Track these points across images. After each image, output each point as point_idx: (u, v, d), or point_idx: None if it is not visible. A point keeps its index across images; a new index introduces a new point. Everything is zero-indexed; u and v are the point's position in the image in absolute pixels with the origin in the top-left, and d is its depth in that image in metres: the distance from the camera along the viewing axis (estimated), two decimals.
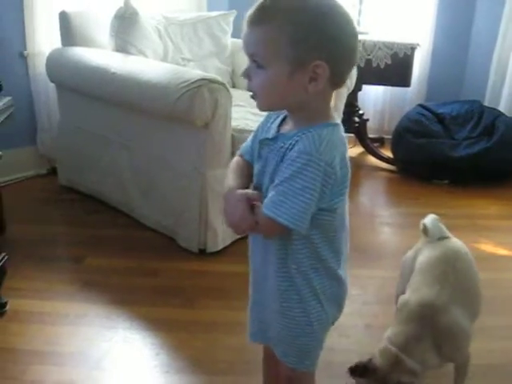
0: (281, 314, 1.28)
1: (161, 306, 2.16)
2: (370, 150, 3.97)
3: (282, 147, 1.15)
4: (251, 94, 1.16)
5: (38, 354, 1.87)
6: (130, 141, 2.71)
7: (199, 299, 2.22)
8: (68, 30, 2.95)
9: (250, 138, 1.34)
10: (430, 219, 1.90)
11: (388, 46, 3.59)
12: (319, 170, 1.09)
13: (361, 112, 3.95)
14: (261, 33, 1.08)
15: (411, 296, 1.70)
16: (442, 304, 1.64)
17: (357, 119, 3.91)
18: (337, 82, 1.15)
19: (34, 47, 3.11)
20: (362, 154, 4.03)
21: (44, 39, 3.12)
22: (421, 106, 3.82)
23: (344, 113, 3.21)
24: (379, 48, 3.58)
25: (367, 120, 4.01)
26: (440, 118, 3.70)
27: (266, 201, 1.12)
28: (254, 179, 1.24)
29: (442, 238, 1.84)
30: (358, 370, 1.54)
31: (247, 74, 1.14)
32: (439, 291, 1.67)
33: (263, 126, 1.27)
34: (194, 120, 2.30)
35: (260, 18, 1.09)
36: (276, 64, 1.08)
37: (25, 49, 3.12)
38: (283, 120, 1.23)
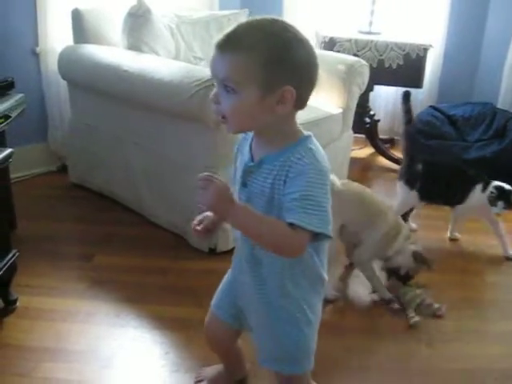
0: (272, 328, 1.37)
1: (170, 305, 2.16)
2: (380, 151, 3.95)
3: (272, 170, 1.20)
4: (222, 119, 1.19)
5: (48, 351, 1.87)
6: (141, 139, 2.71)
7: (209, 298, 2.19)
8: (80, 27, 2.95)
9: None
10: None
11: (400, 46, 3.58)
12: (326, 177, 1.17)
13: (372, 113, 3.94)
14: (233, 59, 1.12)
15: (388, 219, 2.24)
16: None
17: (368, 120, 3.89)
18: (300, 104, 1.20)
19: (47, 44, 3.11)
20: (372, 154, 4.00)
21: (56, 36, 3.11)
22: (432, 107, 3.80)
23: (355, 113, 3.19)
24: (391, 49, 3.57)
25: (378, 121, 3.98)
26: (452, 120, 3.67)
27: (294, 216, 1.14)
28: None
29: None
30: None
31: (216, 99, 1.17)
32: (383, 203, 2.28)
33: (237, 157, 1.34)
34: (206, 119, 2.29)
35: (232, 45, 1.12)
36: (248, 89, 1.13)
37: (37, 46, 3.12)
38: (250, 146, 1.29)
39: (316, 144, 1.22)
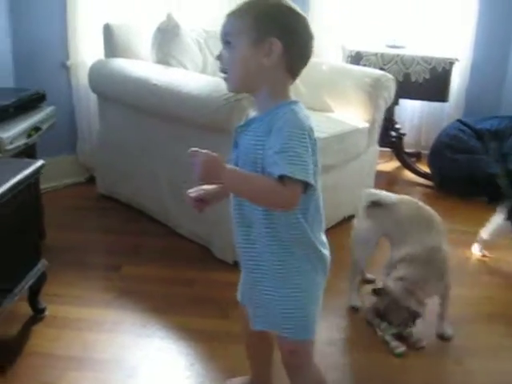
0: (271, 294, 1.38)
1: (196, 316, 2.17)
2: (406, 165, 3.93)
3: (258, 128, 1.28)
4: (224, 76, 1.33)
5: (74, 359, 1.90)
6: (168, 151, 2.74)
7: (234, 310, 2.20)
8: (111, 41, 3.01)
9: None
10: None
11: (426, 60, 3.58)
12: (305, 132, 1.23)
13: (398, 126, 3.93)
14: (235, 19, 1.27)
15: (415, 247, 2.07)
16: (438, 245, 2.08)
17: (393, 133, 3.88)
18: (291, 69, 1.30)
19: (77, 58, 3.18)
20: (398, 168, 3.99)
21: (87, 50, 3.18)
22: (459, 121, 3.77)
23: (381, 127, 3.19)
24: (418, 62, 3.57)
25: (404, 134, 3.97)
26: (479, 134, 3.65)
27: (279, 168, 1.20)
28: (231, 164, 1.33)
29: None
30: (376, 291, 2.07)
31: (221, 57, 1.31)
32: (433, 237, 2.10)
33: None
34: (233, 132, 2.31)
35: (236, 11, 1.28)
36: (241, 40, 1.25)
37: (68, 59, 3.19)
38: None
39: (301, 106, 1.29)
